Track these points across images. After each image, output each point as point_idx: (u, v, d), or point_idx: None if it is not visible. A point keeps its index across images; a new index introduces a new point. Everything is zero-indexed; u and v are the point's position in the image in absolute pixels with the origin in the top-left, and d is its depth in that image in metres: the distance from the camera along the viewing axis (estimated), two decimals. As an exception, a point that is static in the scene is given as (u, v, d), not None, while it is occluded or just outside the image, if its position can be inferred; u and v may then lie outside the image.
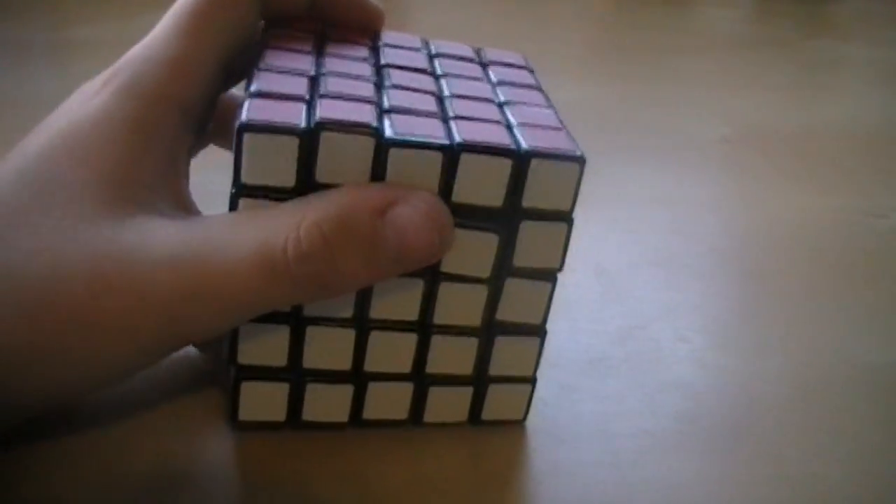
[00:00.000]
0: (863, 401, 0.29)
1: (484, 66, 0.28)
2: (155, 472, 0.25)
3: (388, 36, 0.28)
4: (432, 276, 0.24)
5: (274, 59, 0.25)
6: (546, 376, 0.29)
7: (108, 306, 0.21)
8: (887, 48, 0.61)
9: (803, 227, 0.39)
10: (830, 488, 0.25)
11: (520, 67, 0.29)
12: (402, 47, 0.28)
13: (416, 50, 0.28)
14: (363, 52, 0.27)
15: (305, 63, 0.25)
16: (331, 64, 0.25)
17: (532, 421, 0.28)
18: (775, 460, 0.26)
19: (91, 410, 0.28)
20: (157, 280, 0.21)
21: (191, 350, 0.30)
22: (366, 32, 0.28)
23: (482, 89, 0.26)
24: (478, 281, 0.24)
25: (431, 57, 0.28)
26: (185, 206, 0.24)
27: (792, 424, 0.28)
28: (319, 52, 0.26)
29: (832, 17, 0.67)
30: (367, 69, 0.25)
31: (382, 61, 0.26)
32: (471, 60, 0.28)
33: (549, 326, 0.32)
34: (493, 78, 0.27)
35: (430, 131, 0.23)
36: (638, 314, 0.33)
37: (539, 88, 0.27)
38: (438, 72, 0.27)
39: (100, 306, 0.21)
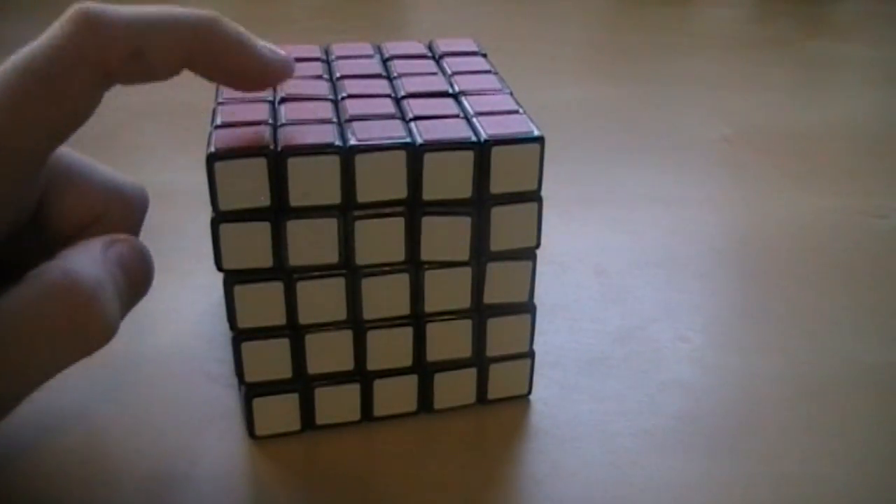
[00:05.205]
0: (863, 401, 0.29)
1: (438, 58, 0.29)
2: (155, 472, 0.25)
3: (338, 48, 0.29)
4: (415, 267, 0.25)
5: (231, 91, 0.25)
6: (546, 376, 0.29)
7: None
8: (887, 48, 0.61)
9: (803, 227, 0.39)
10: (831, 488, 0.25)
11: (472, 54, 0.29)
12: (353, 57, 0.28)
13: (369, 57, 0.29)
14: (316, 68, 0.27)
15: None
16: (286, 86, 0.26)
17: (532, 421, 0.28)
18: (775, 460, 0.26)
19: (92, 410, 0.28)
20: None
21: (192, 351, 0.30)
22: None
23: (437, 83, 0.27)
24: (459, 264, 0.25)
25: (384, 61, 0.28)
26: None
27: (792, 424, 0.28)
28: None
29: (832, 17, 0.67)
30: (322, 86, 0.26)
31: (337, 74, 0.27)
32: (423, 57, 0.29)
33: (549, 326, 0.32)
34: (448, 69, 0.28)
35: (392, 133, 0.23)
36: (638, 314, 0.33)
37: (493, 72, 0.28)
38: (393, 74, 0.27)
39: None
